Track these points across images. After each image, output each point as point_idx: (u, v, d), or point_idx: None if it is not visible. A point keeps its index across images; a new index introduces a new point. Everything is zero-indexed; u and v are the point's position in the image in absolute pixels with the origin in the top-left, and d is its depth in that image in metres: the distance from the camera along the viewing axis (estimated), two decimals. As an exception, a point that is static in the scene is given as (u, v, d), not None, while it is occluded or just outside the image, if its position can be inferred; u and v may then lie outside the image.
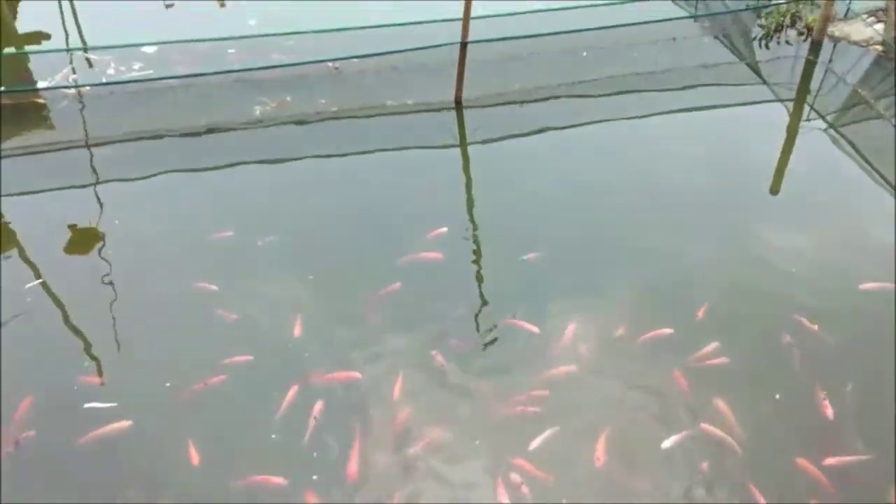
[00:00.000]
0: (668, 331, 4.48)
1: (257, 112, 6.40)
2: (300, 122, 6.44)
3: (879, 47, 7.05)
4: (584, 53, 7.09)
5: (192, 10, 8.25)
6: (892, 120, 6.41)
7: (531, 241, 5.14)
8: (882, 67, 6.93)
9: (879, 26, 7.11)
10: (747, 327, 4.60)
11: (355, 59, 6.74)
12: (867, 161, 6.17)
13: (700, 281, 4.92)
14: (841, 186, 6.01)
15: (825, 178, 6.21)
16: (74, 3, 8.04)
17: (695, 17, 7.75)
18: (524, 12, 6.79)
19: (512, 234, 5.34)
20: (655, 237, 5.23)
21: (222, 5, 8.62)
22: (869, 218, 5.53)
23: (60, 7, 7.94)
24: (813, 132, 6.67)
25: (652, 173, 5.96)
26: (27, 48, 7.46)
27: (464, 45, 6.29)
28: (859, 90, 6.78)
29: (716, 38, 7.62)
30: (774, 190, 5.89)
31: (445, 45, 6.34)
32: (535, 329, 4.50)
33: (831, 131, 6.60)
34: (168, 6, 9.03)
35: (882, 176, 6.01)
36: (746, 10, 7.50)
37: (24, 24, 8.07)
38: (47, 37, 7.72)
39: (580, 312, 4.63)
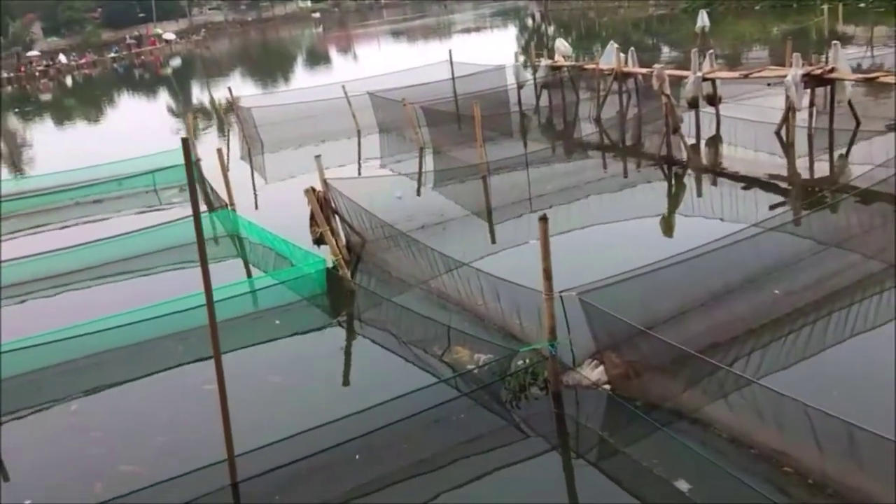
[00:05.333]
0: None
1: None
2: None
3: (607, 386, 8.12)
4: (357, 456, 7.54)
5: None
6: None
7: None
8: (615, 404, 7.94)
9: (601, 368, 8.24)
10: None
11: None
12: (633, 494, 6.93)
13: None
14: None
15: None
16: None
17: (461, 395, 8.50)
18: (290, 437, 7.30)
19: None
20: None
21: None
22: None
23: None
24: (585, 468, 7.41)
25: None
26: None
27: (235, 485, 6.56)
28: (600, 433, 7.71)
29: (478, 405, 8.41)
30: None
31: (214, 492, 6.58)
32: None
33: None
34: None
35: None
36: (496, 381, 8.42)
37: None
38: None
39: None
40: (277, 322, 11.22)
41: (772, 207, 13.57)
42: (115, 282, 13.59)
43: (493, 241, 14.16)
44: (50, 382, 10.00)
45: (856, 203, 11.92)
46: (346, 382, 9.67)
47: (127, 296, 12.40)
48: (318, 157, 12.92)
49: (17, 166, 31.47)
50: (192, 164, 6.22)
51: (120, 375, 10.00)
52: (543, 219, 7.73)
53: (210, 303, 6.36)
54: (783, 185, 15.13)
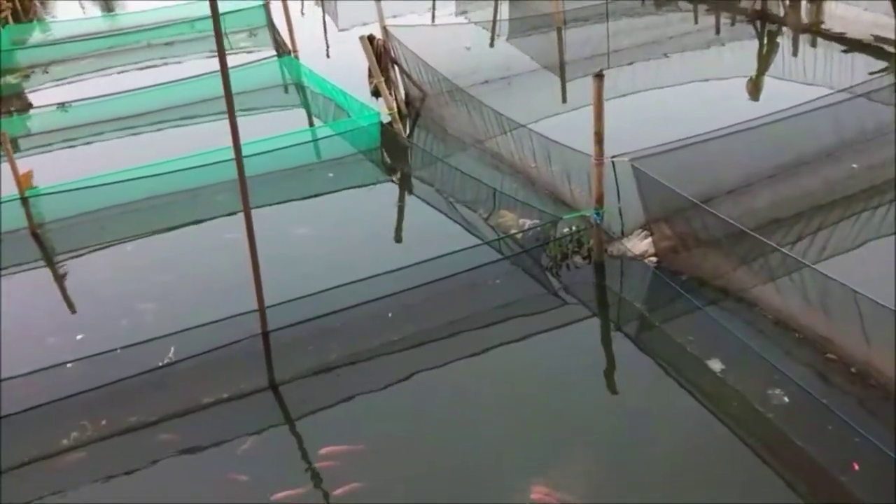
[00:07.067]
0: None
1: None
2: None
3: (654, 259, 7.78)
4: (389, 314, 7.55)
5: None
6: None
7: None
8: (658, 279, 7.63)
9: (649, 240, 7.87)
10: None
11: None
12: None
13: None
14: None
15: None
16: None
17: (502, 258, 8.33)
18: (322, 291, 7.34)
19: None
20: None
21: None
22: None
23: None
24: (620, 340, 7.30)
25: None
26: None
27: (266, 334, 6.69)
28: (639, 307, 7.48)
29: (519, 270, 8.24)
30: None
31: (246, 339, 6.73)
32: None
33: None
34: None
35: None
36: (536, 247, 8.18)
37: None
38: None
39: None
40: (331, 175, 11.13)
41: (871, 74, 12.33)
42: (179, 126, 13.66)
43: (564, 101, 13.48)
44: (112, 222, 10.30)
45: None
46: (397, 238, 9.58)
47: (188, 140, 12.43)
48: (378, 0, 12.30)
49: (108, 6, 31.54)
50: (217, 6, 5.94)
51: (176, 220, 10.21)
52: (599, 75, 7.17)
53: (238, 156, 6.30)
54: (888, 48, 13.67)
